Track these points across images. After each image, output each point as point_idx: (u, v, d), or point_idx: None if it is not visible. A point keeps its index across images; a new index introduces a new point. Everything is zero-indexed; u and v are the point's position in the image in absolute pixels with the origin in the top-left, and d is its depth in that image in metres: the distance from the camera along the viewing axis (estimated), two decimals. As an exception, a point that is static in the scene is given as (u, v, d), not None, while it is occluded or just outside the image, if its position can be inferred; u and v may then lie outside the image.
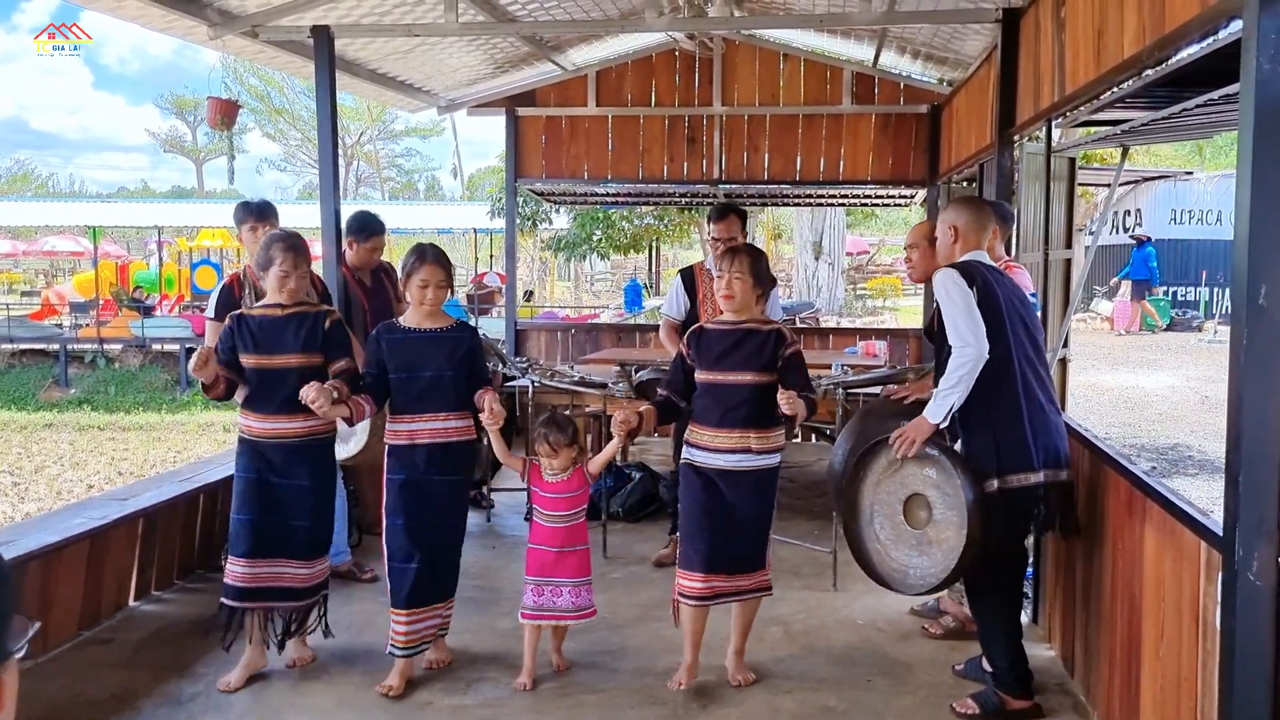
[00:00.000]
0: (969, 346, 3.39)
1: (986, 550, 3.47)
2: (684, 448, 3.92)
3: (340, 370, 3.87)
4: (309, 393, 3.59)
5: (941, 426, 3.52)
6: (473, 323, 6.60)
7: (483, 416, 3.80)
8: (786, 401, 3.55)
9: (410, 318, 3.95)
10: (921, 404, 4.31)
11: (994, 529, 3.45)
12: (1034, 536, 4.21)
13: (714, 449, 3.77)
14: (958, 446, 3.60)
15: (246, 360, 3.83)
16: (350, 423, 3.91)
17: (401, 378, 3.87)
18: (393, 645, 3.84)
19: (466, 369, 3.91)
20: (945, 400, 3.46)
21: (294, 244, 3.87)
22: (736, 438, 3.74)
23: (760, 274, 3.85)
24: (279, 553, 3.88)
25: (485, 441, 4.35)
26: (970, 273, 3.53)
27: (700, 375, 3.83)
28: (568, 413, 6.31)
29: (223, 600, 3.87)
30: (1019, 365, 3.49)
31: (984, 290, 3.48)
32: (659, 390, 4.05)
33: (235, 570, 3.85)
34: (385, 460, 3.92)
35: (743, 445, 3.74)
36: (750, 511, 3.78)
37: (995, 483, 3.47)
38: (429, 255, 3.91)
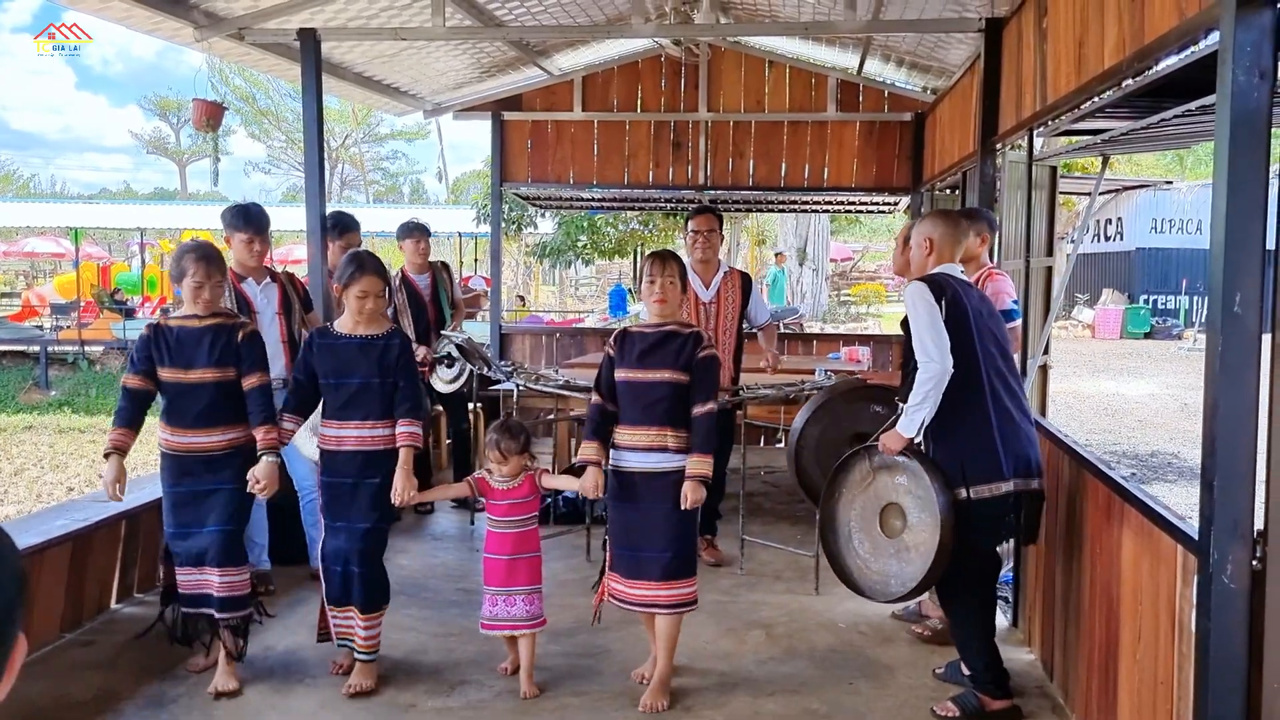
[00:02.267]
0: (933, 362, 3.46)
1: (960, 553, 3.52)
2: (611, 451, 3.93)
3: (253, 386, 3.84)
4: (257, 480, 3.74)
5: (915, 441, 3.60)
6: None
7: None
8: (688, 494, 3.68)
9: (344, 323, 3.94)
10: (881, 386, 4.43)
11: (965, 536, 3.52)
12: (1012, 544, 4.26)
13: (633, 447, 3.82)
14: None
15: (163, 374, 3.81)
16: (280, 444, 3.89)
17: (330, 384, 3.88)
18: (319, 632, 3.94)
19: (395, 377, 3.87)
20: (915, 415, 3.52)
21: (206, 253, 3.86)
22: (654, 435, 3.79)
23: (685, 279, 3.96)
24: (201, 561, 3.83)
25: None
26: (940, 286, 3.58)
27: (620, 374, 3.88)
28: (550, 417, 6.35)
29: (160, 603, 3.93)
30: (987, 377, 3.54)
31: (952, 303, 3.54)
32: (594, 401, 3.96)
33: (181, 578, 3.88)
34: (320, 462, 3.94)
35: (659, 443, 3.78)
36: (671, 515, 3.76)
37: (965, 491, 3.52)
38: (368, 266, 3.90)
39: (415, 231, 6.49)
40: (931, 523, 3.53)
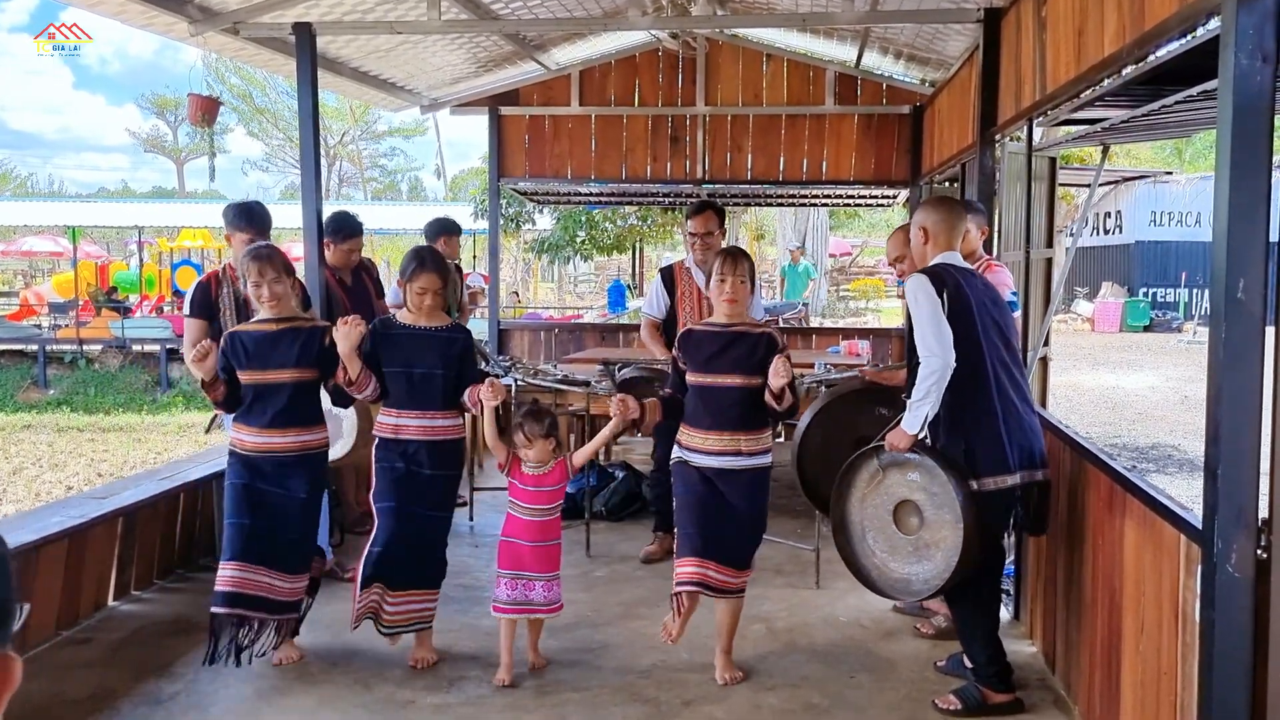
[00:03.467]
0: (934, 356, 3.42)
1: (982, 543, 3.49)
2: (675, 448, 3.92)
3: (349, 381, 3.92)
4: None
5: (920, 436, 3.56)
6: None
7: (483, 390, 3.81)
8: (779, 372, 3.60)
9: (406, 317, 4.01)
10: (883, 386, 4.38)
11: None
12: (1013, 537, 4.24)
13: (705, 451, 3.80)
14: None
15: (243, 375, 3.86)
16: (352, 390, 3.93)
17: (395, 372, 3.94)
18: (354, 620, 3.93)
19: (458, 369, 3.96)
20: (919, 410, 3.49)
21: (262, 253, 3.90)
22: (727, 440, 3.77)
23: (754, 278, 3.94)
24: (267, 562, 3.86)
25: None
26: (940, 278, 3.54)
27: (690, 377, 3.84)
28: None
29: (212, 609, 3.83)
30: (992, 368, 3.51)
31: (954, 295, 3.49)
32: (664, 390, 4.06)
33: (225, 574, 3.84)
34: (374, 450, 3.99)
35: (733, 448, 3.77)
36: (742, 506, 3.79)
37: (973, 484, 3.50)
38: (429, 263, 3.97)
39: (442, 233, 6.47)
40: (951, 519, 3.49)
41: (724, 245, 5.58)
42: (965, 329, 3.47)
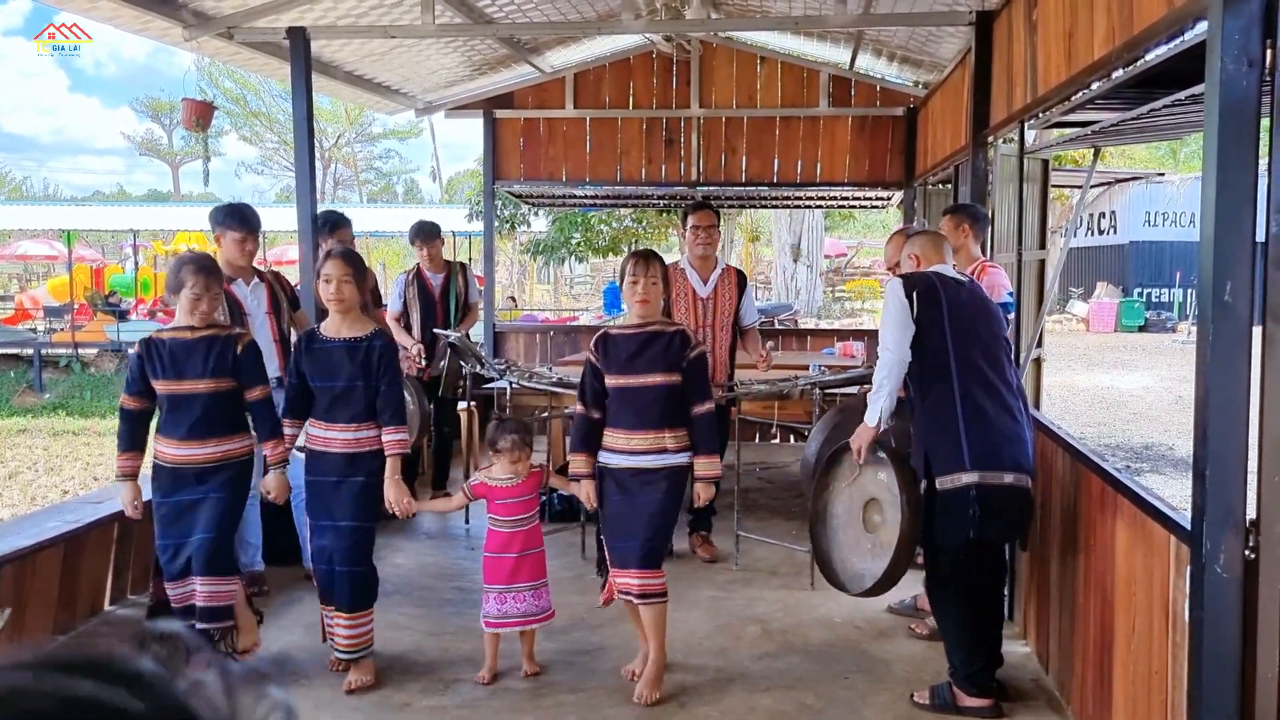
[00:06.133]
0: (889, 352, 3.58)
1: (930, 546, 3.56)
2: (600, 453, 3.91)
3: (256, 399, 3.87)
4: (268, 491, 3.88)
5: (883, 428, 3.65)
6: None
7: (396, 507, 3.85)
8: (699, 498, 3.90)
9: (328, 326, 3.93)
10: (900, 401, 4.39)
11: (931, 529, 3.54)
12: (977, 538, 4.20)
13: (628, 450, 3.82)
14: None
15: (157, 386, 3.80)
16: (286, 454, 3.92)
17: (316, 386, 3.87)
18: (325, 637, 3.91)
19: (376, 379, 3.84)
20: (875, 404, 3.64)
21: (206, 265, 3.85)
22: (651, 439, 3.80)
23: (668, 280, 4.02)
24: (186, 571, 3.80)
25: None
26: (913, 282, 3.63)
27: (610, 380, 3.86)
28: (544, 414, 6.33)
29: (198, 625, 3.79)
30: (958, 371, 3.52)
31: (924, 297, 3.58)
32: (576, 409, 3.99)
33: (170, 593, 3.84)
34: (305, 464, 3.93)
35: (658, 446, 3.80)
36: (656, 506, 3.78)
37: (929, 483, 3.55)
38: (334, 253, 3.92)
39: (415, 239, 6.51)
40: (896, 519, 3.58)
41: (717, 246, 5.62)
42: (931, 333, 3.55)
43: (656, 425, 3.79)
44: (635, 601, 3.79)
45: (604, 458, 3.89)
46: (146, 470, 4.02)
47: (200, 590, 3.78)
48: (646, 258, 3.92)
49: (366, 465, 3.85)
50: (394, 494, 3.82)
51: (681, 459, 3.84)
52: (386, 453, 3.84)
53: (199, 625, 3.75)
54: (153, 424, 3.95)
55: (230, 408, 3.86)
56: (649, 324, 3.86)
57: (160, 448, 3.86)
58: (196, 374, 3.78)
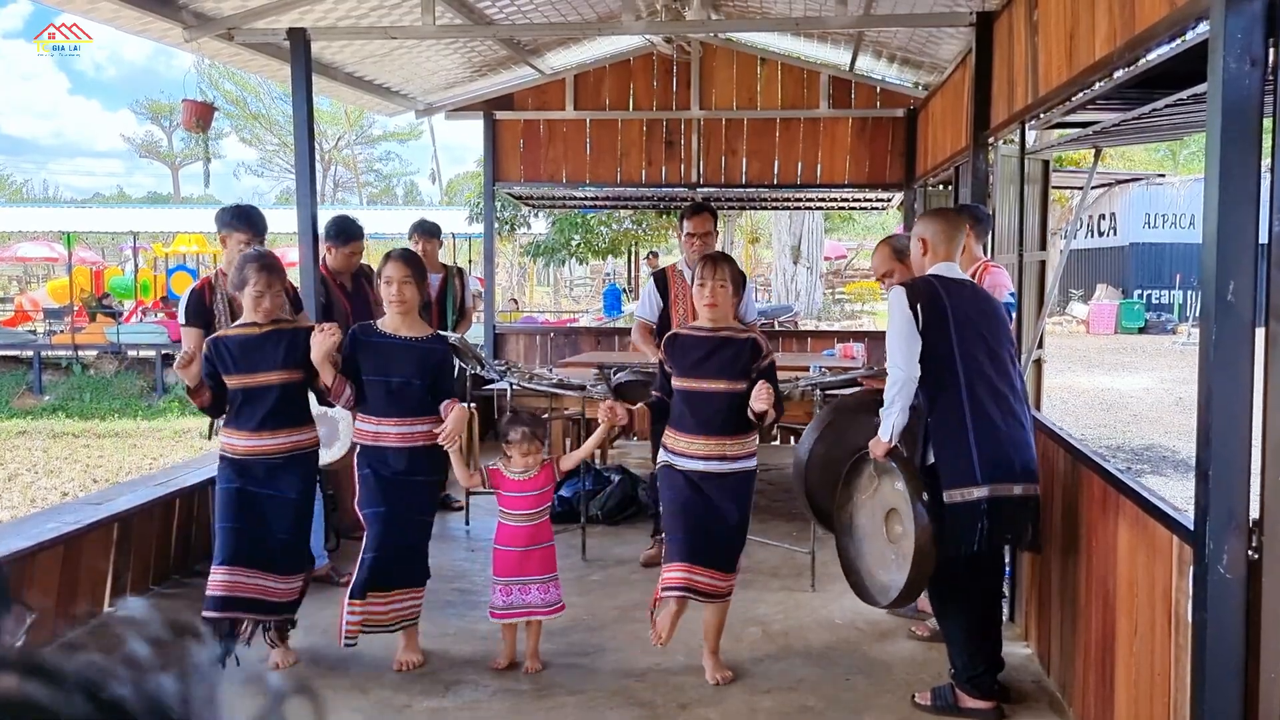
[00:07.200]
0: (898, 369, 3.53)
1: (942, 558, 3.51)
2: (661, 451, 3.93)
3: (324, 388, 3.94)
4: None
5: (895, 443, 3.60)
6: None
7: (442, 437, 3.86)
8: (761, 398, 3.61)
9: (387, 323, 3.99)
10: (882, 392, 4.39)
11: (939, 538, 3.50)
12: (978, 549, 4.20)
13: (691, 455, 3.81)
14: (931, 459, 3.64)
15: (230, 381, 3.87)
16: (328, 395, 3.96)
17: (372, 380, 3.93)
18: (346, 636, 3.88)
19: (434, 380, 3.96)
20: (887, 420, 3.58)
21: (268, 263, 3.91)
22: (713, 445, 3.79)
23: (738, 282, 3.92)
24: (260, 564, 3.88)
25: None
26: (916, 291, 3.57)
27: (676, 382, 3.86)
28: (545, 415, 6.32)
29: (204, 613, 3.82)
30: (966, 381, 3.49)
31: (928, 307, 3.53)
32: (653, 393, 4.08)
33: (216, 579, 3.84)
34: (355, 458, 4.01)
35: (719, 452, 3.79)
36: (728, 509, 3.80)
37: (941, 495, 3.51)
38: (395, 254, 4.01)
39: (414, 233, 6.49)
40: (911, 528, 3.55)
41: (717, 248, 5.61)
42: (937, 343, 3.51)
43: (719, 432, 3.78)
44: (700, 600, 3.80)
45: (668, 457, 3.89)
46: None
47: (278, 588, 3.93)
48: (716, 260, 3.89)
49: (423, 463, 3.96)
50: (454, 425, 3.86)
51: (745, 465, 3.84)
52: (447, 413, 3.90)
53: (269, 617, 3.92)
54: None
55: (299, 398, 3.98)
56: (721, 329, 3.84)
57: (231, 440, 3.90)
58: (270, 366, 3.86)
